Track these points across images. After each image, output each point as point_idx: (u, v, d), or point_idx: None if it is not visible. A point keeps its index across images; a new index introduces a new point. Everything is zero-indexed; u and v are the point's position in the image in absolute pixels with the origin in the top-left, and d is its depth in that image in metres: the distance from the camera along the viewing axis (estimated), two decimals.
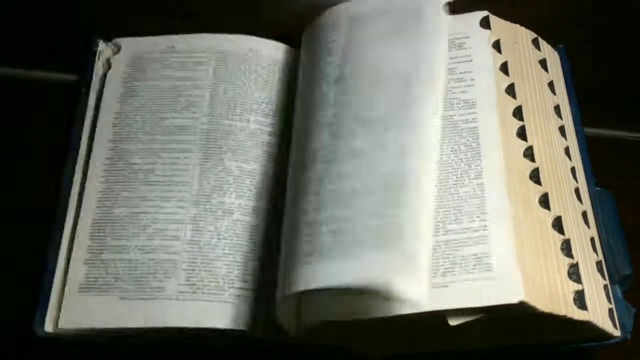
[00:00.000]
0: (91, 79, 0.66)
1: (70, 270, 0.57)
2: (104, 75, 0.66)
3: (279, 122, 0.64)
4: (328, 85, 0.59)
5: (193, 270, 0.57)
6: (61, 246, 0.59)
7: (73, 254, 0.58)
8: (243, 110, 0.63)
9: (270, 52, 0.66)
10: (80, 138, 0.63)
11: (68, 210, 0.60)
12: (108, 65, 0.66)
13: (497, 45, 0.63)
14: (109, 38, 0.68)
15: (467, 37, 0.64)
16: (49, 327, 0.56)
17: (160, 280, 0.56)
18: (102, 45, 0.67)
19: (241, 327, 0.56)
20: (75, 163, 0.62)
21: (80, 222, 0.59)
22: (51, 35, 0.71)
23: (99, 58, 0.67)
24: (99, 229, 0.59)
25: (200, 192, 0.59)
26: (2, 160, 0.65)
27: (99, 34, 0.68)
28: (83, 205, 0.60)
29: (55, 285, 0.57)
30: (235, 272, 0.57)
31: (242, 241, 0.58)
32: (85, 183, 0.61)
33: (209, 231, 0.58)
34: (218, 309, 0.56)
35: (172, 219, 0.59)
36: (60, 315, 0.56)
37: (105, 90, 0.64)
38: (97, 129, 0.63)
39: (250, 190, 0.60)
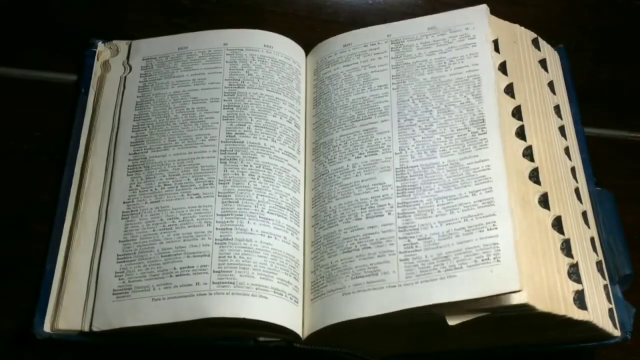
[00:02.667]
0: (90, 79, 0.66)
1: (100, 274, 0.57)
2: (102, 76, 0.66)
3: (298, 114, 0.64)
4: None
5: (223, 264, 0.56)
6: (60, 246, 0.59)
7: (103, 257, 0.58)
8: (261, 104, 0.63)
9: (282, 48, 0.66)
10: (79, 138, 0.64)
11: (67, 210, 0.60)
12: (107, 66, 0.66)
13: (495, 45, 0.63)
14: (109, 38, 0.68)
15: (468, 29, 0.64)
16: (47, 327, 0.56)
17: (191, 276, 0.56)
18: (100, 46, 0.68)
19: (274, 322, 0.55)
20: (74, 163, 0.62)
21: (109, 227, 0.59)
22: (51, 35, 0.71)
23: (97, 59, 0.67)
24: (128, 232, 0.58)
25: (225, 186, 0.59)
26: (2, 160, 0.65)
27: (99, 34, 0.68)
28: (110, 212, 0.59)
29: (54, 286, 0.58)
30: (266, 267, 0.57)
31: (271, 234, 0.58)
32: (84, 183, 0.61)
33: (237, 220, 0.58)
34: (254, 303, 0.55)
35: (199, 215, 0.58)
36: (59, 315, 0.56)
37: (125, 92, 0.64)
38: (118, 132, 0.63)
39: (277, 182, 0.60)
